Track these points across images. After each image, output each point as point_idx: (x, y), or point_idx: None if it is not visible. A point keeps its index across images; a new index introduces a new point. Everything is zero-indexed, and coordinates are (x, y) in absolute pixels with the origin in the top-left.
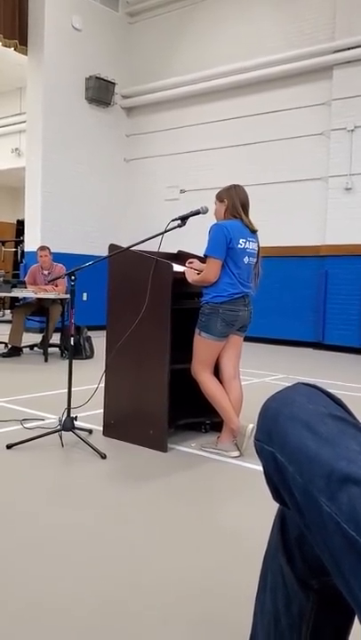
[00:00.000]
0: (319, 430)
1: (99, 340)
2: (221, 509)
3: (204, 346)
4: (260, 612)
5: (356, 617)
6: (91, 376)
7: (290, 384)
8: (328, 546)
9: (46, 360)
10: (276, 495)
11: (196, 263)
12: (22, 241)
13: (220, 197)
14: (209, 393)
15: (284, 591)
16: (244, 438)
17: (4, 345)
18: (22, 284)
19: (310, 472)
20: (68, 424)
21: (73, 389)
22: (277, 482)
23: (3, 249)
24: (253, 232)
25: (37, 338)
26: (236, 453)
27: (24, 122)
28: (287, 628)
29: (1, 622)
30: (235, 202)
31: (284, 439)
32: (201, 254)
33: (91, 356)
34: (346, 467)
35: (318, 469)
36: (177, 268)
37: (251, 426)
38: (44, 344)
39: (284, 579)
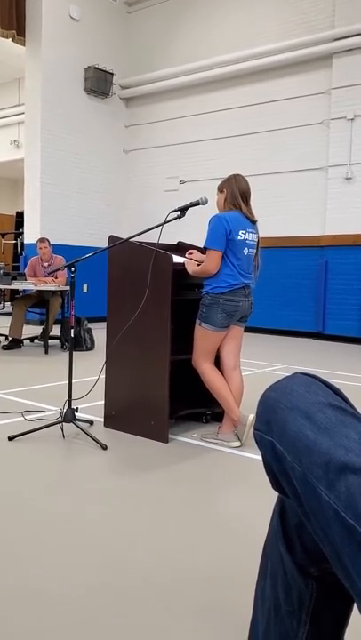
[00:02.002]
0: (318, 419)
1: (99, 332)
2: (222, 499)
3: (204, 336)
4: (260, 599)
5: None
6: (91, 368)
7: (289, 374)
8: (327, 534)
9: (47, 352)
10: (276, 484)
11: (196, 254)
12: (22, 233)
13: (220, 188)
14: (210, 383)
15: (283, 579)
16: (244, 428)
17: (4, 337)
18: (22, 277)
19: (309, 461)
20: (69, 416)
21: (74, 381)
22: (277, 471)
23: (2, 241)
24: (253, 223)
25: (38, 330)
26: (237, 443)
27: (22, 113)
28: (287, 615)
29: (2, 607)
30: (234, 191)
31: (283, 428)
32: (201, 245)
33: (91, 347)
34: (344, 455)
35: (317, 458)
36: (177, 259)
37: (251, 416)
38: (45, 336)
39: (283, 566)
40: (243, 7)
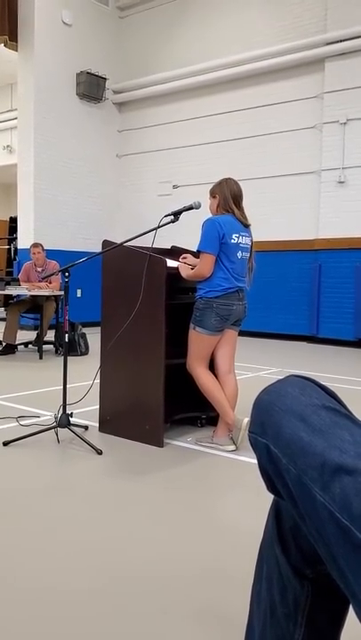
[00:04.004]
0: (312, 422)
1: (93, 337)
2: (218, 502)
3: (198, 340)
4: (256, 601)
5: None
6: (86, 372)
7: (283, 377)
8: (322, 535)
9: (41, 357)
10: (271, 486)
11: (190, 258)
12: (15, 238)
13: (212, 193)
14: (204, 387)
15: (279, 581)
16: (239, 432)
17: None
18: (16, 282)
19: (304, 463)
20: (64, 421)
21: (68, 386)
22: (272, 473)
23: None
24: (246, 226)
25: (32, 335)
26: (232, 447)
27: (15, 118)
28: (283, 617)
29: (2, 611)
30: (226, 196)
31: (278, 431)
32: (194, 249)
33: (86, 352)
34: (338, 457)
35: (311, 460)
36: (171, 263)
37: (246, 419)
38: (39, 341)
39: (279, 568)
40: (235, 12)
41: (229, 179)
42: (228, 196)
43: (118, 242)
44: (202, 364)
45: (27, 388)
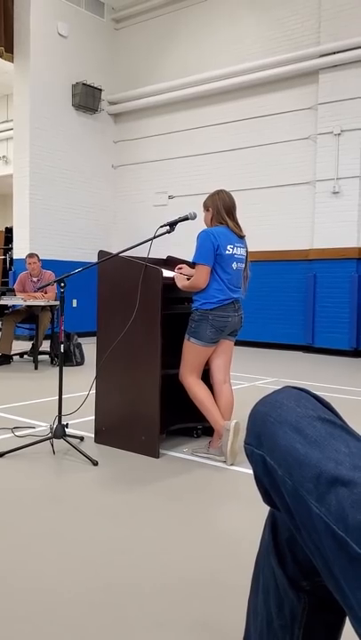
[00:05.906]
0: (308, 433)
1: (89, 347)
2: (214, 513)
3: (193, 351)
4: (252, 613)
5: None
6: (81, 383)
7: (279, 388)
8: (318, 547)
9: (36, 367)
10: (267, 498)
11: (186, 269)
12: (11, 248)
13: (205, 206)
14: (195, 395)
15: (275, 593)
16: (228, 434)
17: None
18: (11, 292)
19: (299, 474)
20: (60, 431)
21: (64, 396)
22: (267, 485)
23: None
24: (241, 237)
25: (27, 345)
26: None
27: (11, 129)
28: (280, 630)
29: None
30: (218, 208)
31: (274, 442)
32: (190, 259)
33: (81, 362)
34: (334, 469)
35: (307, 472)
36: (167, 273)
37: (234, 422)
38: (34, 351)
39: (275, 580)
40: (230, 24)
41: (221, 191)
42: (221, 209)
43: (114, 252)
44: (194, 373)
45: (22, 399)
